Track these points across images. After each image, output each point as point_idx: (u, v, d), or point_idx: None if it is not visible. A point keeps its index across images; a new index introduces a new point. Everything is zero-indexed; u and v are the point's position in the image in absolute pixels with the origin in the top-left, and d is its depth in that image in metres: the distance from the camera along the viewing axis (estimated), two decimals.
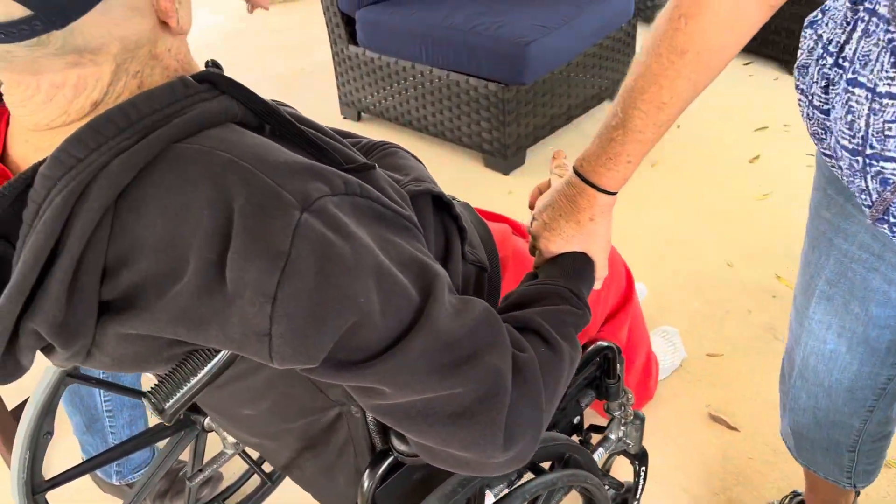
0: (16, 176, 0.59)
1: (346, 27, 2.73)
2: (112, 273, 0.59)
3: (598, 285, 0.89)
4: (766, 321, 1.86)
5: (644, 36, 3.17)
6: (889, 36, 0.66)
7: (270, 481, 1.49)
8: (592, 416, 1.55)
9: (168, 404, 0.59)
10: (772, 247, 2.11)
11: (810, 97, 0.78)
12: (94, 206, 0.56)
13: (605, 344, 1.05)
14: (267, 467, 1.46)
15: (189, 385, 0.60)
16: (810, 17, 0.81)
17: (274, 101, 0.76)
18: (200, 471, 1.27)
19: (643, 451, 1.27)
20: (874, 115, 0.67)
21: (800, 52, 0.82)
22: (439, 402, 0.65)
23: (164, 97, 0.60)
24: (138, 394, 1.20)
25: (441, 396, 0.65)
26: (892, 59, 0.65)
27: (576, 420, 1.12)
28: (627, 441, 1.23)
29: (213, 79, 0.64)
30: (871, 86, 0.67)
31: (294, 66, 3.59)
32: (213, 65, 0.70)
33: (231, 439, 1.25)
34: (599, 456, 1.20)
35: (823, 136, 0.78)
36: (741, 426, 1.61)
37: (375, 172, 0.71)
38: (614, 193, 0.83)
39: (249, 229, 0.56)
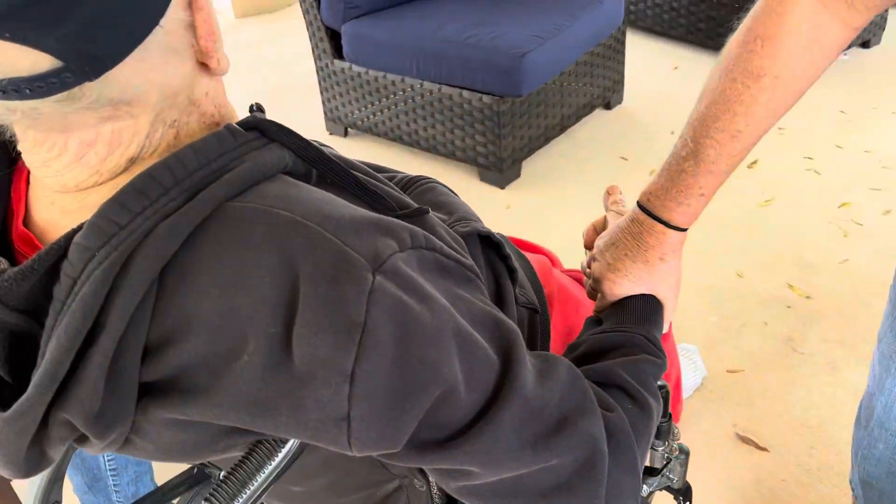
0: (47, 247, 0.51)
1: (330, 41, 2.65)
2: (155, 352, 0.51)
3: (665, 328, 0.82)
4: (784, 333, 1.82)
5: (632, 42, 3.15)
6: None
7: None
8: None
9: None
10: (780, 254, 2.07)
11: None
12: (139, 278, 0.48)
13: (660, 383, 0.99)
14: None
15: (256, 484, 0.52)
16: None
17: (316, 141, 0.68)
18: None
19: (687, 485, 1.21)
20: None
21: None
22: (532, 477, 0.59)
23: (211, 149, 0.52)
24: None
25: (534, 471, 0.59)
26: None
27: None
28: (671, 476, 1.17)
29: (261, 126, 0.56)
30: None
31: (275, 81, 3.49)
32: (258, 108, 0.62)
33: None
34: (643, 494, 1.14)
35: None
36: (770, 446, 1.56)
37: (430, 217, 0.64)
38: (685, 230, 0.78)
39: (319, 298, 0.49)
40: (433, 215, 0.67)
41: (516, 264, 0.85)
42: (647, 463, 1.10)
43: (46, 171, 0.54)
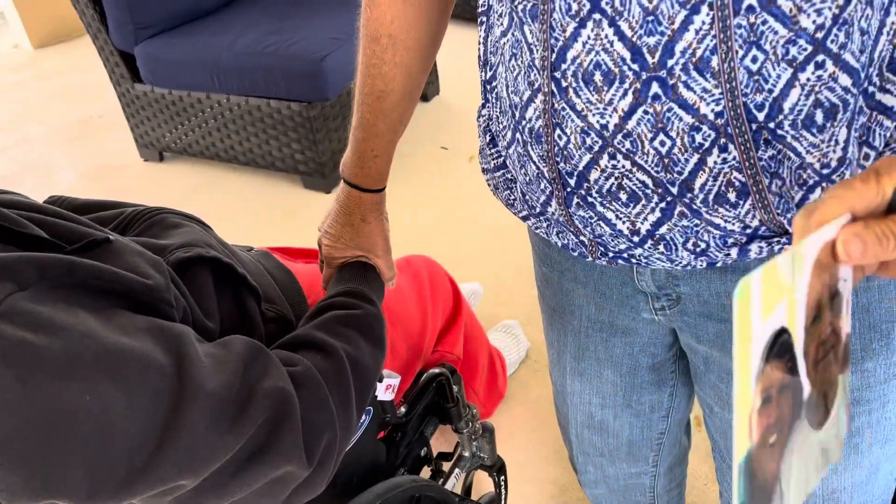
0: None
1: (126, 65, 2.53)
2: None
3: (391, 285, 0.91)
4: None
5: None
6: None
7: None
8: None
9: None
10: None
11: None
12: None
13: (436, 372, 1.02)
14: None
15: None
16: None
17: None
18: None
19: (499, 460, 1.25)
20: None
21: None
22: (236, 454, 0.61)
23: None
24: None
25: (238, 448, 0.61)
26: None
27: (423, 452, 1.08)
28: (482, 455, 1.21)
29: None
30: None
31: (85, 110, 3.30)
32: None
33: None
34: (457, 477, 1.17)
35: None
36: None
37: (113, 246, 0.65)
38: (377, 191, 0.84)
39: None
40: (127, 243, 0.68)
41: (256, 281, 0.84)
42: (447, 449, 1.13)
43: None
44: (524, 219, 0.72)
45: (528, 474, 1.51)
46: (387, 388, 0.87)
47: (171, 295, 0.66)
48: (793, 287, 0.34)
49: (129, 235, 0.86)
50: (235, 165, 2.63)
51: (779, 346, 0.34)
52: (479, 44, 0.67)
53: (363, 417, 0.87)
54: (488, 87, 0.68)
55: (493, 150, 0.72)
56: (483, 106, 0.71)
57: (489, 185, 0.75)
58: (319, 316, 0.78)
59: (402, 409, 0.97)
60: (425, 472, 1.12)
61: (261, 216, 2.43)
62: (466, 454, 1.18)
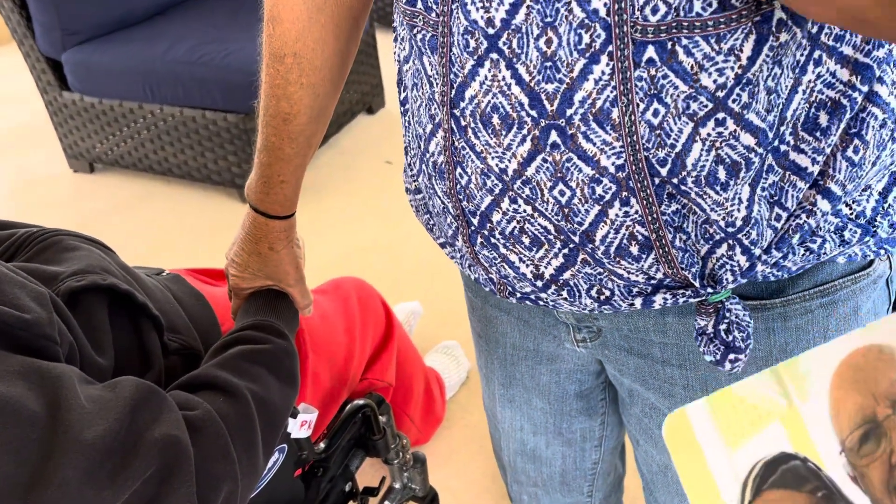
0: None
1: (53, 72, 2.42)
2: None
3: (307, 313, 0.86)
4: None
5: (386, 43, 3.16)
6: None
7: None
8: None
9: None
10: None
11: None
12: None
13: (360, 403, 0.96)
14: None
15: None
16: None
17: None
18: None
19: (432, 490, 1.20)
20: None
21: None
22: None
23: None
24: None
25: (123, 501, 0.55)
26: None
27: (348, 487, 1.02)
28: (413, 486, 1.16)
29: None
30: None
31: (12, 119, 3.15)
32: None
33: None
34: None
35: None
36: None
37: None
38: (286, 217, 0.78)
39: None
40: (6, 272, 0.62)
41: (159, 309, 0.78)
42: (371, 483, 1.07)
43: None
44: (441, 246, 0.68)
45: (466, 500, 1.46)
46: (301, 425, 0.82)
47: (54, 330, 0.60)
48: (791, 407, 0.30)
49: (19, 259, 0.79)
50: (170, 178, 2.54)
51: (785, 474, 0.29)
52: (395, 61, 0.63)
53: (276, 456, 0.81)
54: (402, 108, 0.64)
55: (411, 173, 0.68)
56: (406, 126, 0.66)
57: (411, 205, 0.70)
58: (224, 352, 0.72)
59: (322, 444, 0.91)
60: None
61: (196, 230, 2.33)
62: (397, 486, 1.13)
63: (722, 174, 0.47)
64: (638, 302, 0.55)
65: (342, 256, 2.14)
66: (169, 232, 2.34)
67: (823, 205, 0.50)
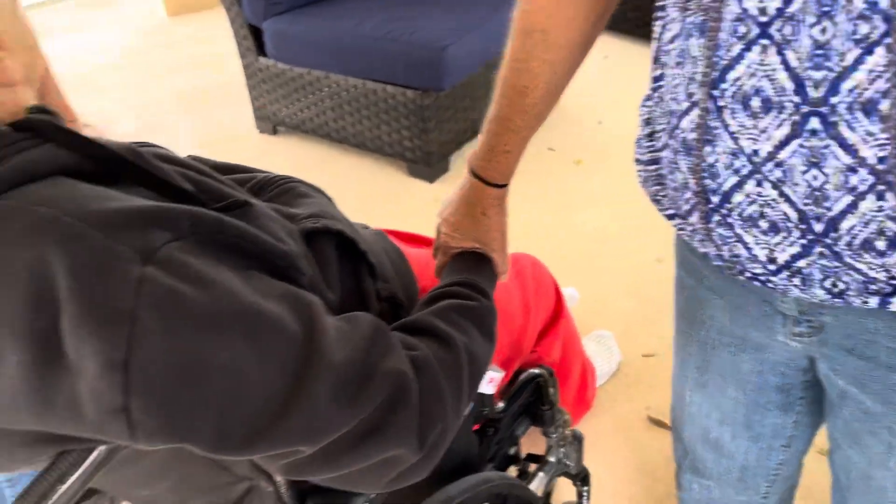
0: None
1: (254, 39, 2.62)
2: None
3: (503, 279, 0.90)
4: None
5: None
6: None
7: None
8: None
9: None
10: None
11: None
12: None
13: (535, 372, 1.00)
14: None
15: (59, 493, 0.52)
16: None
17: (137, 142, 0.68)
18: None
19: (584, 470, 1.23)
20: None
21: None
22: (352, 429, 0.61)
23: None
24: None
25: (354, 425, 0.61)
26: None
27: (512, 451, 1.07)
28: (567, 462, 1.19)
29: (34, 125, 0.56)
30: None
31: (209, 79, 3.45)
32: (39, 110, 0.61)
33: None
34: (540, 481, 1.15)
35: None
36: None
37: (253, 210, 0.65)
38: (501, 186, 0.83)
39: (82, 292, 0.49)
40: (264, 208, 0.68)
41: (375, 259, 0.85)
42: (535, 451, 1.11)
43: None
44: (669, 217, 0.70)
45: (608, 489, 1.48)
46: (489, 382, 0.87)
47: (303, 263, 0.67)
48: None
49: (261, 200, 0.88)
50: (345, 146, 2.68)
51: None
52: (654, 38, 0.65)
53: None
54: (655, 84, 0.66)
55: (649, 144, 0.70)
56: (648, 98, 0.69)
57: (639, 175, 0.73)
58: (435, 303, 0.78)
59: (500, 405, 0.96)
60: (510, 472, 1.11)
61: (366, 197, 2.47)
62: (552, 459, 1.17)
63: None
64: (873, 301, 0.55)
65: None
66: (342, 196, 2.47)
67: None
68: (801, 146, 0.50)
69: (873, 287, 0.55)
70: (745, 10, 0.50)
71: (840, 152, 0.49)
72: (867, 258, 0.52)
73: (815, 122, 0.49)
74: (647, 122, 0.70)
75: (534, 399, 1.04)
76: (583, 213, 2.26)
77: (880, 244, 0.51)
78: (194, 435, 0.53)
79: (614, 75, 2.99)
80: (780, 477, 0.86)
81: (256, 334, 0.55)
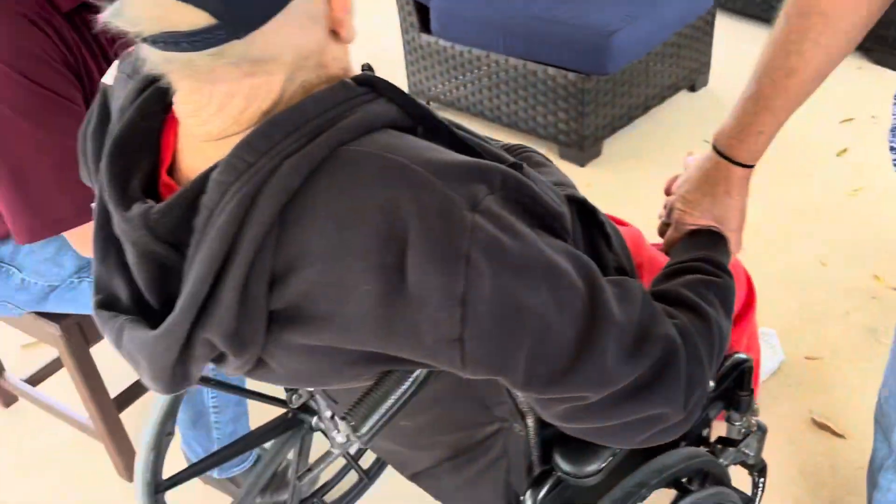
0: (188, 183, 0.58)
1: (418, 15, 2.69)
2: (280, 280, 0.57)
3: (733, 258, 0.91)
4: (866, 324, 1.79)
5: (722, 25, 3.08)
6: None
7: (367, 478, 1.48)
8: None
9: (366, 427, 0.57)
10: (867, 245, 2.03)
11: None
12: (265, 210, 0.55)
13: (743, 356, 1.01)
14: (363, 463, 1.46)
15: (385, 406, 0.58)
16: None
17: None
18: (309, 470, 1.27)
19: (762, 462, 1.23)
20: None
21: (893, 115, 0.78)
22: (627, 386, 0.65)
23: (327, 101, 0.59)
24: (273, 400, 1.19)
25: (629, 381, 0.65)
26: None
27: (704, 432, 1.08)
28: (748, 452, 1.19)
29: (372, 82, 0.62)
30: None
31: (363, 53, 3.55)
32: (368, 68, 0.67)
33: (339, 440, 1.24)
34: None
35: None
36: (847, 434, 1.55)
37: (524, 172, 0.69)
38: (749, 166, 0.84)
39: (428, 232, 0.54)
40: (531, 170, 0.72)
41: (611, 230, 0.88)
42: (725, 434, 1.12)
43: (195, 119, 0.61)
44: None
45: (770, 487, 1.46)
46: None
47: (570, 225, 0.71)
48: None
49: None
50: (497, 125, 2.72)
51: None
52: None
53: None
54: None
55: None
56: None
57: (894, 163, 0.73)
58: (682, 276, 0.80)
59: (711, 384, 0.98)
60: None
61: None
62: (731, 448, 1.17)
63: None
64: None
65: (651, 224, 2.19)
66: None
67: None
68: None
69: None
70: None
71: None
72: None
73: None
74: None
75: (734, 384, 1.05)
76: None
77: None
78: (510, 370, 0.58)
79: None
80: None
81: (557, 286, 0.59)
